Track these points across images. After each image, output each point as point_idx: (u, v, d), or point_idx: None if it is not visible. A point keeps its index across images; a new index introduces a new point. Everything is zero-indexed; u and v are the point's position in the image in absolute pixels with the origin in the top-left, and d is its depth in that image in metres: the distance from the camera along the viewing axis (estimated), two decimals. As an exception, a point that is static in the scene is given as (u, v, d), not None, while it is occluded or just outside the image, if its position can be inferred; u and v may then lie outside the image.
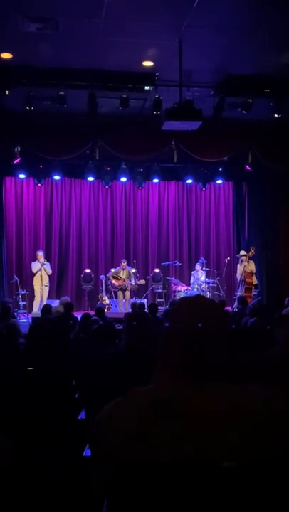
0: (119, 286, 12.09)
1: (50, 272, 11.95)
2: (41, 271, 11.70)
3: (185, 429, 1.09)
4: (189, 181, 13.60)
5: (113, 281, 12.16)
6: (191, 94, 8.81)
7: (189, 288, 12.55)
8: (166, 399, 1.15)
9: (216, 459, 1.06)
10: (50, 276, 12.17)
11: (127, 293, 12.21)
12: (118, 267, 12.42)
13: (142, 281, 12.43)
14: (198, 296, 1.37)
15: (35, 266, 11.75)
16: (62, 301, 9.60)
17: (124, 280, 12.08)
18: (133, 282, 12.16)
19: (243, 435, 1.09)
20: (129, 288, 12.19)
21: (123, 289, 12.11)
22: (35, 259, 12.09)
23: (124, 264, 12.30)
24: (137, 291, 13.13)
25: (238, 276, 12.38)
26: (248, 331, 5.52)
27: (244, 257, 12.21)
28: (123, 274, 12.13)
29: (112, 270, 12.54)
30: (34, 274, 11.67)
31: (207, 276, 12.86)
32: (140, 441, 1.09)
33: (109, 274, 12.36)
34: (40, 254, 11.88)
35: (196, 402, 1.14)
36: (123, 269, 12.19)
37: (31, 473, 2.28)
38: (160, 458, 1.06)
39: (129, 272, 12.20)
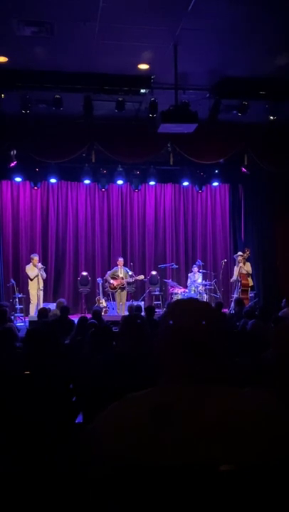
0: (118, 285, 12.06)
1: (44, 276, 11.90)
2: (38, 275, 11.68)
3: (184, 432, 1.09)
4: (186, 184, 13.63)
5: (112, 281, 12.13)
6: (187, 97, 8.83)
7: (186, 290, 12.56)
8: (165, 402, 1.15)
9: (215, 463, 1.06)
10: (46, 279, 12.16)
11: (124, 295, 12.19)
12: (115, 267, 12.41)
13: (141, 276, 12.42)
14: (190, 298, 1.37)
15: (31, 270, 11.67)
16: (58, 304, 9.60)
17: (123, 278, 12.07)
18: (131, 279, 12.16)
19: (241, 438, 1.09)
20: (127, 287, 12.17)
21: (121, 288, 12.08)
22: (30, 262, 12.06)
23: (120, 261, 12.29)
24: (134, 294, 13.13)
25: (234, 277, 12.37)
26: (247, 333, 5.52)
27: (240, 258, 12.23)
28: (121, 273, 12.13)
29: (109, 272, 12.53)
30: (31, 279, 11.60)
31: (204, 278, 12.87)
32: (139, 445, 1.09)
33: (107, 276, 12.35)
34: (36, 258, 11.82)
35: (194, 405, 1.14)
36: (120, 268, 12.18)
37: (30, 477, 2.28)
38: (159, 462, 1.06)
39: (126, 271, 12.21)
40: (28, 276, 11.70)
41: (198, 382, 1.19)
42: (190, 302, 1.32)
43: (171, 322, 1.25)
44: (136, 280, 12.36)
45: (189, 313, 1.25)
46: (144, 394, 1.21)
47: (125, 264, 12.66)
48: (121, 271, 12.15)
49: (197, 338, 1.21)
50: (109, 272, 12.43)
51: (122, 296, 12.13)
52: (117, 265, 12.36)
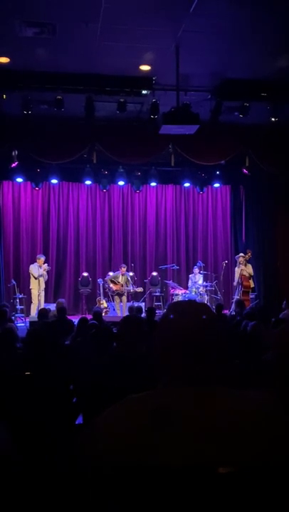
0: (116, 290, 12.09)
1: (46, 278, 11.95)
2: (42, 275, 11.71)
3: (184, 433, 1.09)
4: (187, 185, 13.62)
5: (111, 285, 12.16)
6: (189, 98, 8.84)
7: (187, 291, 12.55)
8: (165, 403, 1.15)
9: (215, 463, 1.06)
10: (47, 279, 12.19)
11: (124, 297, 12.22)
12: (117, 272, 12.40)
13: (140, 289, 12.41)
14: (189, 300, 1.38)
15: (36, 270, 11.69)
16: (57, 305, 9.61)
17: (122, 286, 12.08)
18: (131, 289, 12.16)
19: (242, 439, 1.09)
20: (126, 294, 12.19)
21: (120, 294, 12.12)
22: (32, 262, 12.07)
23: (123, 269, 12.29)
24: (135, 295, 13.14)
25: (235, 279, 12.39)
26: (247, 335, 5.51)
27: (242, 259, 12.23)
28: (121, 280, 12.13)
29: (111, 274, 12.53)
30: (35, 278, 11.64)
31: (205, 279, 12.87)
32: (139, 446, 1.09)
33: (108, 278, 12.36)
34: (42, 259, 11.85)
35: (194, 406, 1.14)
36: (122, 275, 12.18)
37: (30, 477, 2.28)
38: (159, 463, 1.06)
39: (127, 278, 12.20)
40: (31, 275, 11.71)
41: (198, 383, 1.19)
42: (189, 303, 1.33)
43: (172, 316, 1.25)
44: (135, 291, 12.34)
45: (190, 311, 1.26)
46: (144, 395, 1.21)
47: (127, 270, 12.68)
48: (122, 278, 12.16)
49: (197, 336, 1.21)
50: (110, 275, 12.44)
51: (122, 299, 12.17)
52: (119, 270, 12.37)
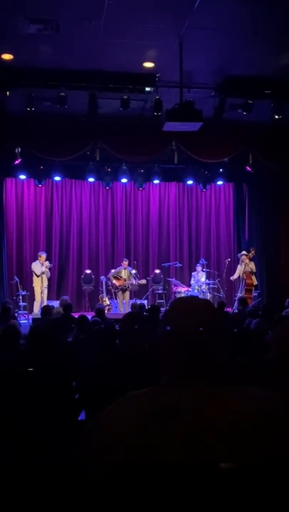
0: (120, 286, 12.10)
1: (49, 275, 11.97)
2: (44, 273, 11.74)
3: (184, 432, 1.09)
4: (190, 182, 13.61)
5: (114, 281, 12.16)
6: (192, 95, 8.82)
7: (190, 289, 12.56)
8: (165, 402, 1.15)
9: (215, 462, 1.06)
10: (50, 276, 12.22)
11: (127, 294, 12.23)
12: (119, 267, 12.42)
13: (143, 281, 12.44)
14: (192, 297, 1.37)
15: (37, 267, 11.72)
16: (61, 302, 9.62)
17: (125, 280, 12.09)
18: (134, 282, 12.16)
19: (242, 438, 1.09)
20: (129, 288, 12.20)
21: (123, 290, 12.12)
22: (35, 259, 12.10)
23: (125, 263, 12.32)
24: (137, 292, 13.15)
25: (236, 276, 12.38)
26: (250, 333, 5.50)
27: (245, 257, 12.22)
28: (124, 274, 12.14)
29: (113, 271, 12.54)
30: (37, 276, 11.67)
31: (207, 277, 12.86)
32: (139, 445, 1.09)
33: (110, 275, 12.37)
34: (44, 256, 11.88)
35: (194, 405, 1.14)
36: (124, 269, 12.20)
37: (31, 474, 2.28)
38: (159, 462, 1.06)
39: (130, 272, 12.21)
40: (33, 273, 11.75)
41: (198, 382, 1.19)
42: (190, 301, 1.32)
43: (168, 328, 1.25)
44: (138, 284, 12.35)
45: (187, 317, 1.25)
46: (144, 393, 1.21)
47: (129, 264, 12.69)
48: (125, 272, 12.17)
49: (196, 340, 1.21)
50: (112, 271, 12.44)
51: (124, 296, 12.18)
52: (121, 265, 12.38)
